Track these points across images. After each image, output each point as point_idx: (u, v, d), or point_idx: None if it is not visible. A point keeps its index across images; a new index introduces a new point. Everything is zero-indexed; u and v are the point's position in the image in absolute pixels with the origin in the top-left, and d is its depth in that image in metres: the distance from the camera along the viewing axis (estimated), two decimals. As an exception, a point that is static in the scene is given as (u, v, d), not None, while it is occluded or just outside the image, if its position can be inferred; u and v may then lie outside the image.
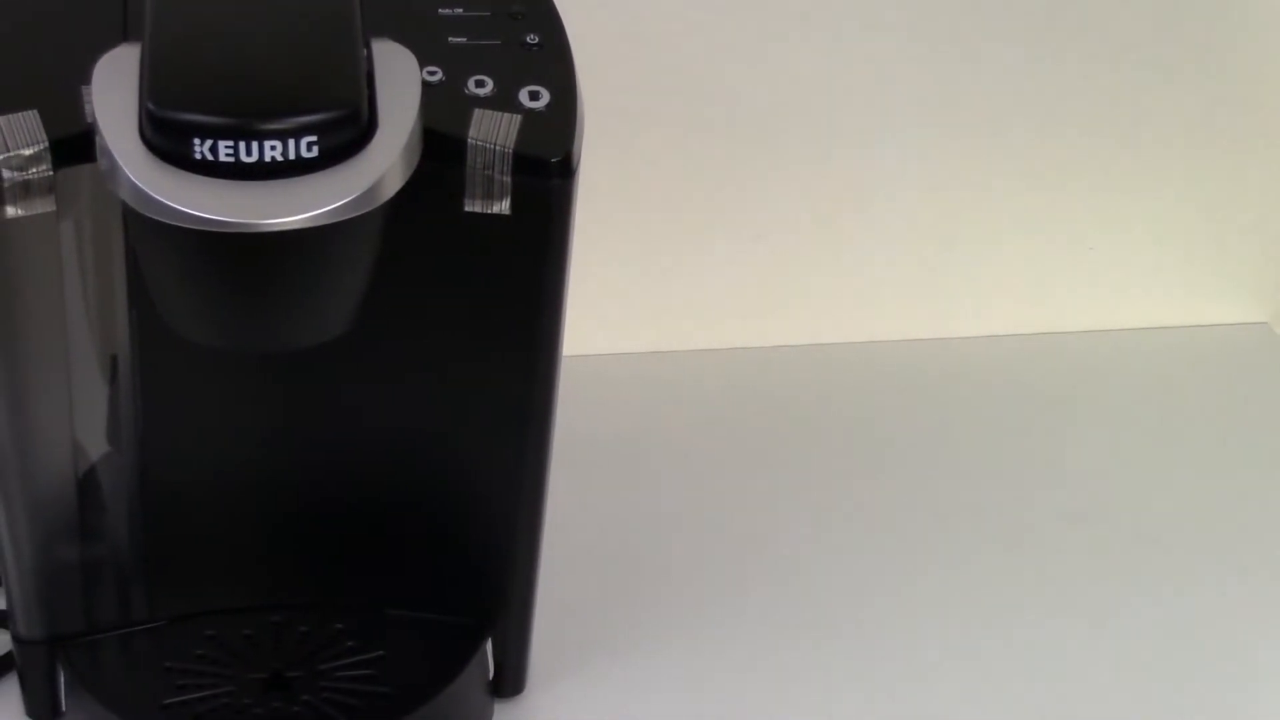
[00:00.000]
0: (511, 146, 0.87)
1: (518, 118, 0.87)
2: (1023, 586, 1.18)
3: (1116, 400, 1.36)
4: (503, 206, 0.88)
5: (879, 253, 1.36)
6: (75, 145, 0.83)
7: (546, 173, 0.87)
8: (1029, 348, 1.41)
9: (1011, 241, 1.38)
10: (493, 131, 0.87)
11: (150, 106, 0.80)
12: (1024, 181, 1.36)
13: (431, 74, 0.88)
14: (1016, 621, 1.15)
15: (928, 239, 1.36)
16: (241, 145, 0.80)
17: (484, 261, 0.91)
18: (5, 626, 1.03)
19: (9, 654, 1.04)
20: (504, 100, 0.88)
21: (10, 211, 0.84)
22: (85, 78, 0.83)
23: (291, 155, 0.80)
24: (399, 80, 0.85)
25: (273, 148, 0.80)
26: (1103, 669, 1.12)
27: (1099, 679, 1.12)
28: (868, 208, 1.35)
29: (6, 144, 0.83)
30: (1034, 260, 1.39)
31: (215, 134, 0.79)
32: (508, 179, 0.87)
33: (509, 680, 1.06)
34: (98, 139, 0.82)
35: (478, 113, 0.87)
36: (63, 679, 1.01)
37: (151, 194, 0.80)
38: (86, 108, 0.83)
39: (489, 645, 1.04)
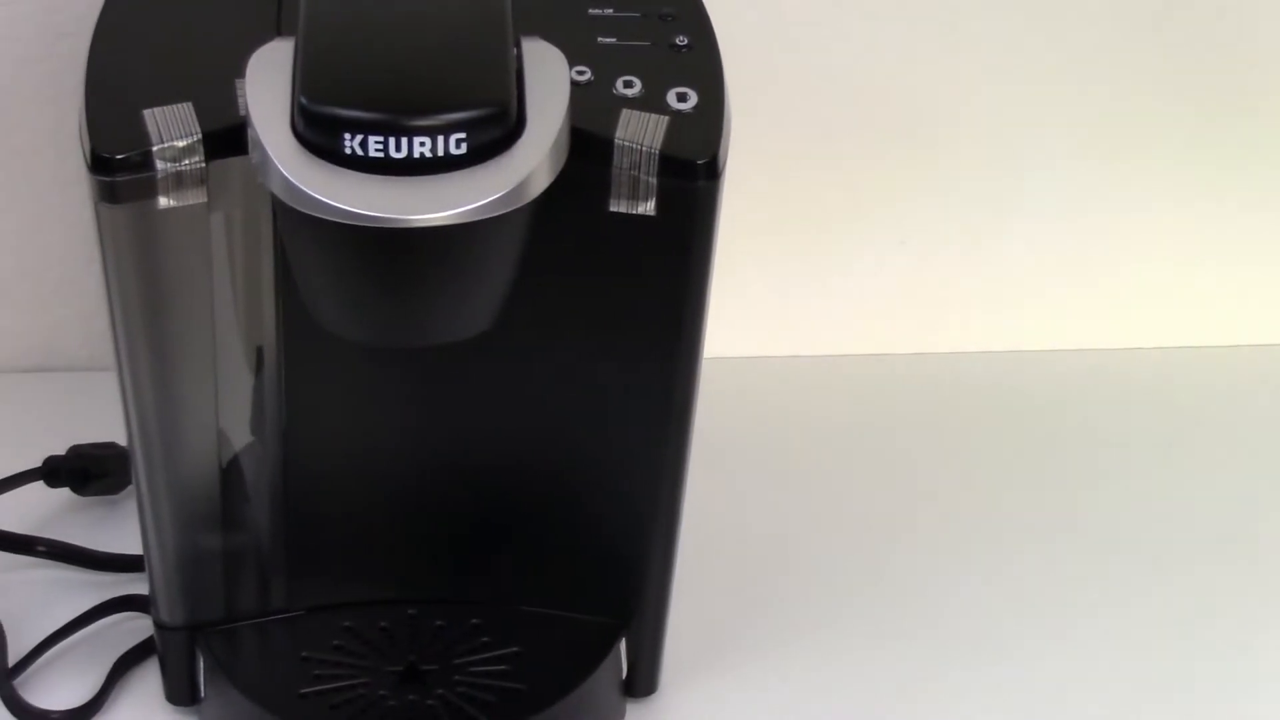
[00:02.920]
0: (658, 148, 0.87)
1: (665, 119, 0.87)
2: (1154, 603, 1.17)
3: (1262, 415, 1.35)
4: (648, 207, 0.88)
5: (1025, 261, 1.35)
6: (227, 138, 0.84)
7: (693, 174, 0.87)
8: (1173, 360, 1.39)
9: (1157, 255, 1.36)
10: (640, 132, 0.87)
11: (303, 101, 0.81)
12: (1172, 196, 1.34)
13: (580, 74, 0.88)
14: (1142, 636, 1.14)
15: (1075, 249, 1.35)
16: (391, 141, 0.80)
17: (628, 262, 0.91)
18: (147, 612, 1.04)
19: (150, 639, 1.06)
20: (652, 101, 0.88)
21: (163, 202, 0.85)
22: (239, 71, 0.84)
23: (440, 152, 0.81)
24: (548, 79, 0.85)
25: (422, 144, 0.80)
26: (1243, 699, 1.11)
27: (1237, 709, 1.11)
28: (1015, 216, 1.33)
29: (161, 135, 0.84)
30: (1180, 273, 1.37)
31: (366, 129, 0.80)
32: (654, 180, 0.87)
33: (642, 680, 1.06)
34: (249, 132, 0.83)
35: (625, 113, 0.87)
36: (202, 665, 1.02)
37: (301, 187, 0.81)
38: (239, 101, 0.84)
39: (623, 644, 1.04)
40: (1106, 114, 1.31)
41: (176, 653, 1.03)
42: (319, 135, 0.81)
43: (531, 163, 0.82)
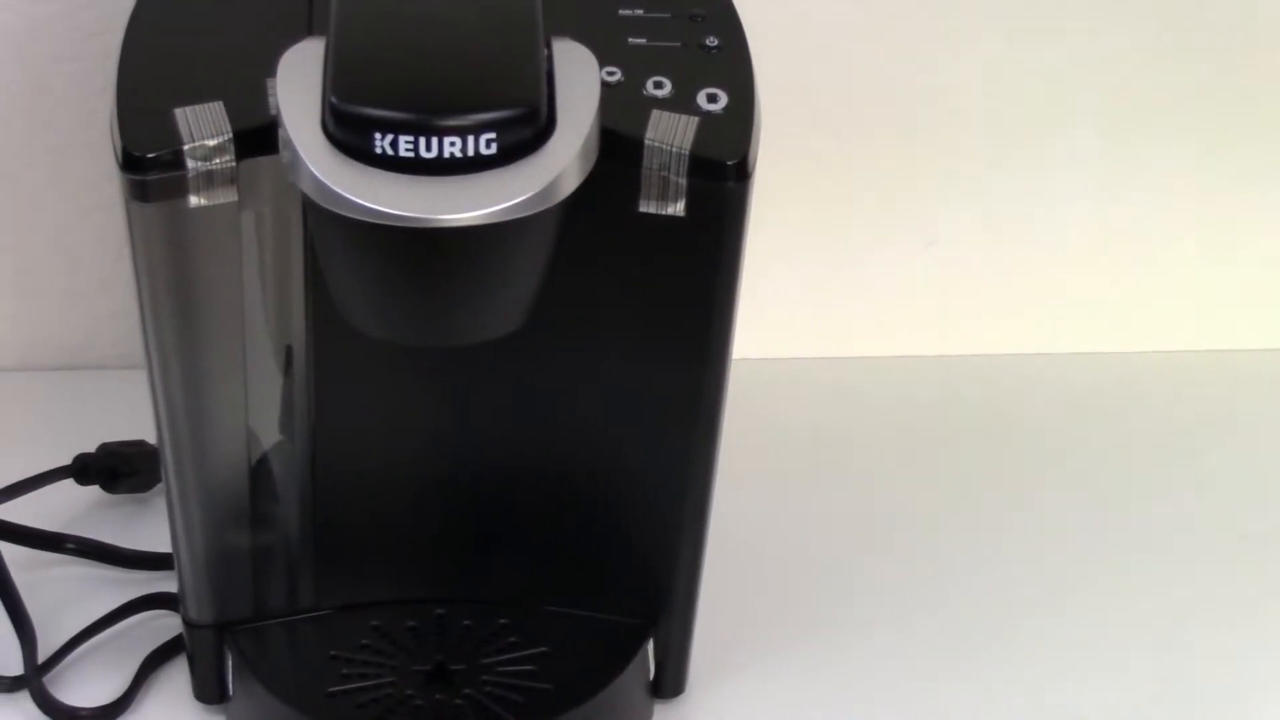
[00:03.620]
0: (688, 148, 0.87)
1: (695, 120, 0.87)
2: (1186, 603, 1.16)
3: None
4: (677, 208, 0.88)
5: (1053, 262, 1.35)
6: (258, 137, 0.85)
7: (722, 175, 0.87)
8: (1200, 364, 1.38)
9: (1187, 253, 1.36)
10: (670, 133, 0.87)
11: (333, 100, 0.81)
12: (1202, 191, 1.34)
13: (610, 74, 0.88)
14: (1182, 634, 1.14)
15: (1105, 251, 1.35)
16: (421, 141, 0.80)
17: (657, 263, 0.91)
18: (176, 610, 1.05)
19: (179, 637, 1.06)
20: (682, 102, 0.88)
21: (194, 201, 0.85)
22: (270, 70, 0.84)
23: (470, 152, 0.81)
24: (578, 80, 0.85)
25: (452, 144, 0.80)
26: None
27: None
28: (1042, 216, 1.33)
29: (192, 134, 0.84)
30: (1208, 272, 1.37)
31: (396, 129, 0.80)
32: (683, 181, 0.87)
33: (669, 681, 1.06)
34: (280, 131, 0.83)
35: (655, 114, 0.87)
36: (230, 664, 1.03)
37: (331, 186, 0.81)
38: (270, 100, 0.84)
39: (650, 645, 1.05)
40: (1137, 116, 1.30)
41: (205, 651, 1.03)
42: (349, 135, 0.81)
43: (561, 163, 0.82)
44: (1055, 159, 1.31)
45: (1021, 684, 1.10)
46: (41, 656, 1.06)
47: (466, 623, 1.05)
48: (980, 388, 1.34)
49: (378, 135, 0.80)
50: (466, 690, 1.01)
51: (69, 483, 1.17)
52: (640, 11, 0.92)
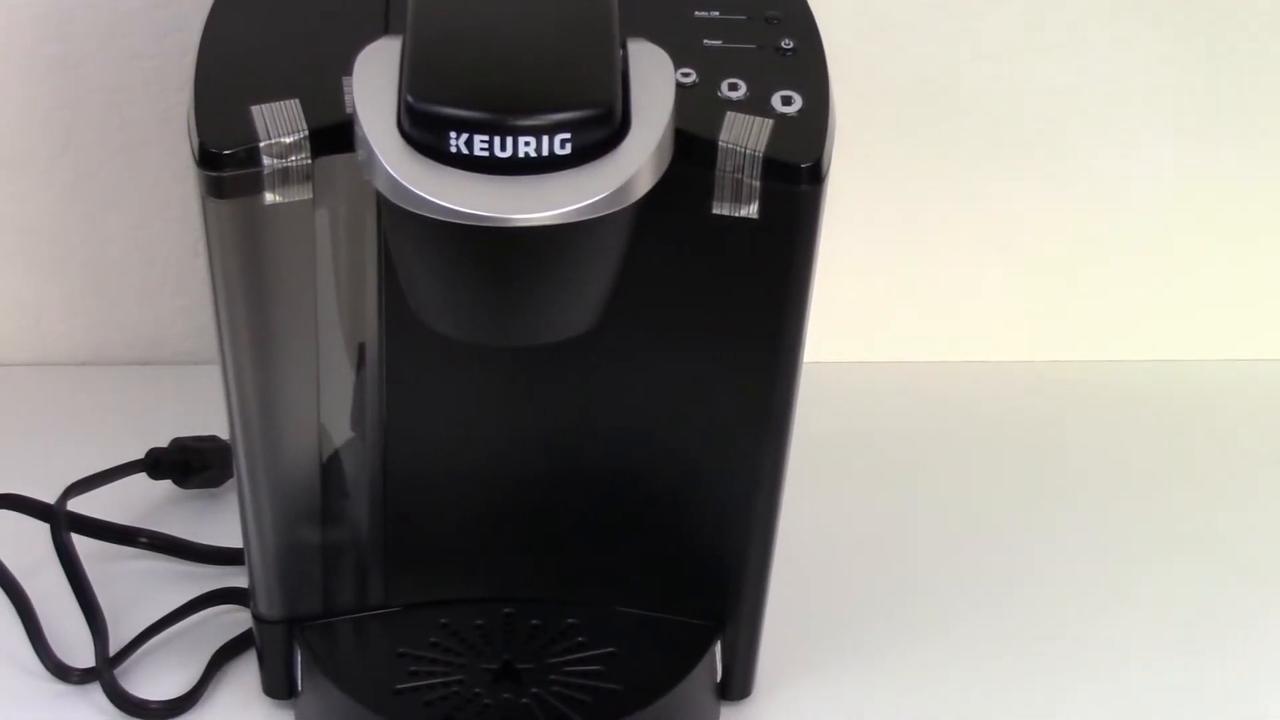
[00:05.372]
0: (762, 151, 0.87)
1: (770, 122, 0.87)
2: (1250, 613, 1.16)
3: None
4: (751, 210, 0.88)
5: (1122, 268, 1.34)
6: (334, 135, 0.85)
7: (796, 178, 0.87)
8: (1269, 374, 1.38)
9: (1264, 262, 1.35)
10: (744, 135, 0.87)
11: (409, 99, 0.81)
12: (1273, 196, 1.33)
13: (685, 75, 0.88)
14: (1246, 646, 1.13)
15: (1179, 258, 1.34)
16: (496, 140, 0.81)
17: (730, 264, 0.91)
18: (246, 605, 1.05)
19: (249, 632, 1.06)
20: (756, 104, 0.88)
21: (269, 198, 0.86)
22: (346, 69, 0.85)
23: (545, 152, 0.81)
24: (653, 81, 0.85)
25: (527, 144, 0.81)
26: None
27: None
28: (1113, 221, 1.33)
29: (268, 131, 0.85)
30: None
31: (471, 128, 0.80)
32: (757, 183, 0.87)
33: (737, 683, 1.06)
34: (356, 129, 0.83)
35: (730, 116, 0.87)
36: (299, 659, 1.03)
37: (406, 185, 0.81)
38: (346, 98, 0.85)
39: (718, 647, 1.04)
40: (1214, 125, 1.30)
41: (274, 646, 1.04)
42: (425, 133, 0.81)
43: (635, 164, 0.82)
44: (1124, 164, 1.31)
45: (1094, 685, 1.09)
46: (113, 649, 1.06)
47: (534, 622, 1.05)
48: (1048, 394, 1.34)
49: (453, 134, 0.81)
50: (534, 689, 1.01)
51: (142, 477, 1.17)
52: (716, 13, 0.92)
